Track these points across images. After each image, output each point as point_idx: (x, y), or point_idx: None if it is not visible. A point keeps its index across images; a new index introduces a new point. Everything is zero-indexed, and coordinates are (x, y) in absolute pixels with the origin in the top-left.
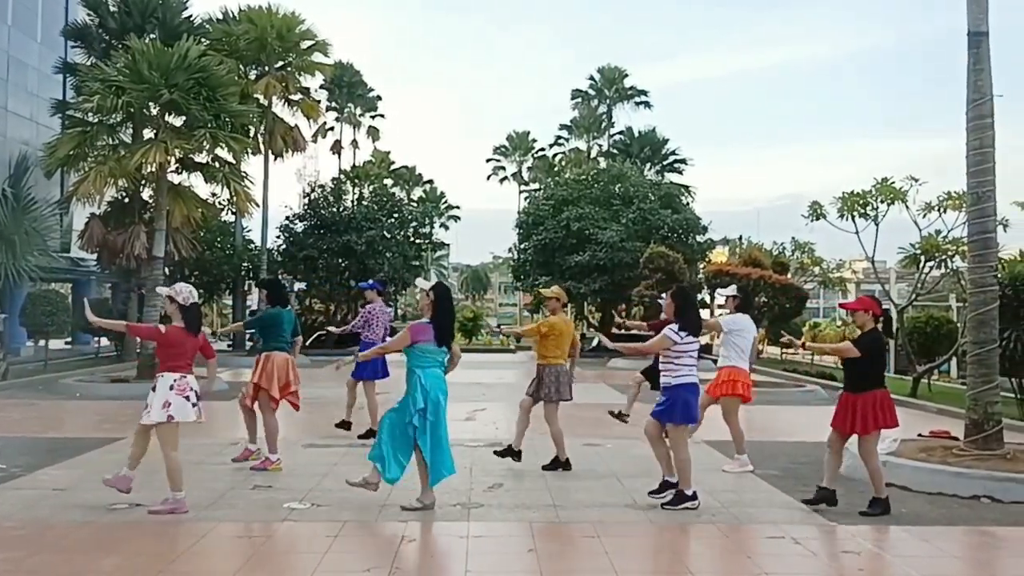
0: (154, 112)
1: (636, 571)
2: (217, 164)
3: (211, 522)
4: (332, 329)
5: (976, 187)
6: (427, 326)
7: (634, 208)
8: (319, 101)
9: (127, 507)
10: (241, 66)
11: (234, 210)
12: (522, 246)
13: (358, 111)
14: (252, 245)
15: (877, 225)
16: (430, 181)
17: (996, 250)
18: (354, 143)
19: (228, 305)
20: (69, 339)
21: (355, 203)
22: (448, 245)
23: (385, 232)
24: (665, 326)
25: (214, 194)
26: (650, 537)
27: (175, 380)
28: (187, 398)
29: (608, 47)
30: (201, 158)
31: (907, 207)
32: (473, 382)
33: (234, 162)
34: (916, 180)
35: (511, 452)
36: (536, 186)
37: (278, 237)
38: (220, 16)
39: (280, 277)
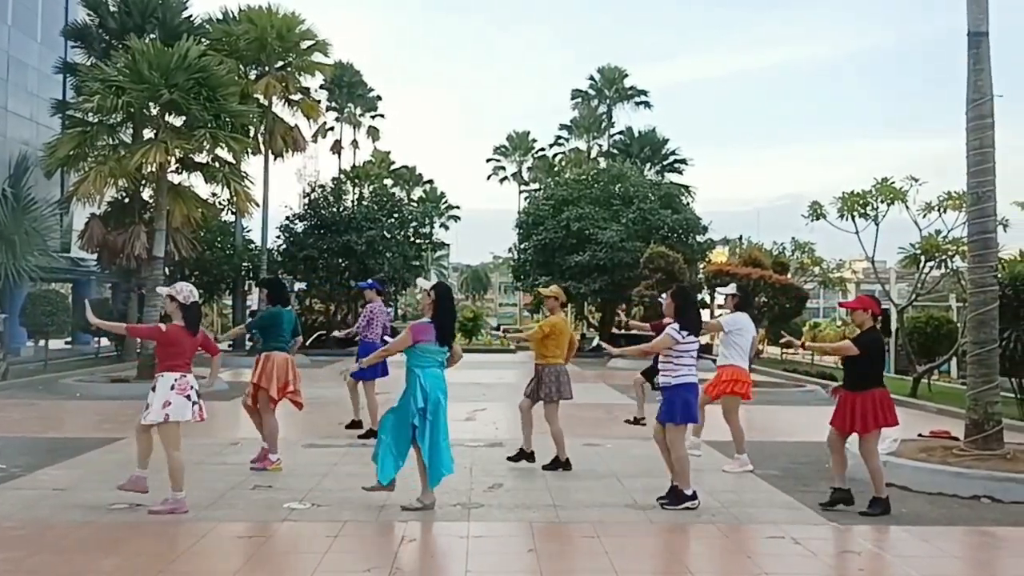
0: (154, 112)
1: (636, 571)
2: (217, 164)
3: (211, 522)
4: (336, 333)
5: (976, 187)
6: (428, 326)
7: (634, 208)
8: (319, 101)
9: (127, 507)
10: (241, 66)
11: (234, 210)
12: (522, 246)
13: (358, 111)
14: (252, 245)
15: (877, 225)
16: (430, 181)
17: (996, 250)
18: (354, 143)
19: (228, 305)
20: (69, 339)
21: (355, 203)
22: (448, 245)
23: (385, 232)
24: (666, 326)
25: (214, 194)
26: (650, 537)
27: (176, 380)
28: (188, 397)
29: (608, 47)
30: (201, 158)
31: (907, 207)
32: (473, 382)
33: (234, 162)
34: (916, 180)
35: (524, 455)
36: (536, 186)
37: (278, 237)
38: (220, 16)
39: (280, 277)
